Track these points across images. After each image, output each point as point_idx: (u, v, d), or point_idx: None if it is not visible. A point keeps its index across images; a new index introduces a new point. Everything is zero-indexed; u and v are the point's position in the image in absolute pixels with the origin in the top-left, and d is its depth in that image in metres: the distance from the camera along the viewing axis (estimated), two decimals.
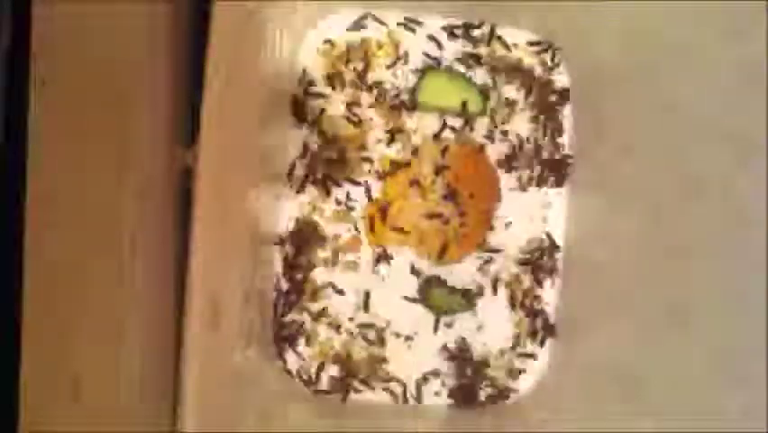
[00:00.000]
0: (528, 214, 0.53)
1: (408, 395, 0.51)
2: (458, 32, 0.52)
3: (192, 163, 0.37)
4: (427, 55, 0.52)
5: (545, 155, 0.53)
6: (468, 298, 0.52)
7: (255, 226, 0.48)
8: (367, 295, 0.51)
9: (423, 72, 0.52)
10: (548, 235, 0.53)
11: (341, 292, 0.51)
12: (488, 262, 0.52)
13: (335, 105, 0.51)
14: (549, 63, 0.53)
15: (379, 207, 0.51)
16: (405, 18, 0.52)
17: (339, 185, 0.51)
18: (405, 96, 0.52)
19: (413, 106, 0.52)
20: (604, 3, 0.48)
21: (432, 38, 0.52)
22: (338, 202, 0.51)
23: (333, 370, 0.51)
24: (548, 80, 0.53)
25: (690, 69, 0.44)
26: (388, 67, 0.52)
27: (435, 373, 0.52)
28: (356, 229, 0.51)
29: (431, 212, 0.51)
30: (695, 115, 0.44)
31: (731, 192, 0.42)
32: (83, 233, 0.34)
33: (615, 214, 0.50)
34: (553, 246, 0.53)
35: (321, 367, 0.51)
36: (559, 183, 0.53)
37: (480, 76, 0.52)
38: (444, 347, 0.52)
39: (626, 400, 0.45)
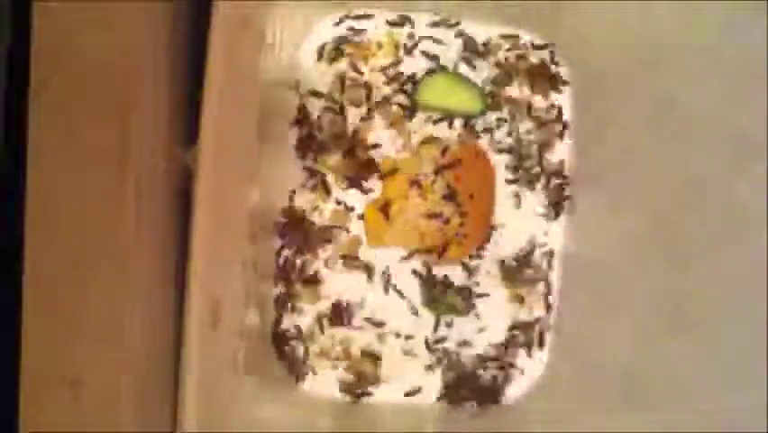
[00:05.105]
0: (528, 214, 0.53)
1: (408, 395, 0.51)
2: (458, 32, 0.52)
3: (192, 163, 0.37)
4: (428, 55, 0.52)
5: (546, 155, 0.53)
6: (468, 298, 0.52)
7: (255, 226, 0.48)
8: (367, 295, 0.51)
9: (424, 72, 0.52)
10: (548, 235, 0.53)
11: (340, 293, 0.51)
12: (488, 262, 0.52)
13: (335, 105, 0.51)
14: (549, 63, 0.53)
15: (379, 206, 0.51)
16: (405, 18, 0.52)
17: (339, 185, 0.51)
18: (405, 97, 0.52)
19: (413, 106, 0.52)
20: (604, 2, 0.48)
21: (432, 38, 0.52)
22: (338, 202, 0.51)
23: (332, 370, 0.51)
24: (548, 80, 0.53)
25: (690, 69, 0.44)
26: (389, 67, 0.52)
27: (435, 373, 0.52)
28: (356, 229, 0.51)
29: (431, 212, 0.51)
30: (695, 115, 0.44)
31: (731, 193, 0.42)
32: (83, 233, 0.34)
33: (615, 214, 0.50)
34: (553, 246, 0.53)
35: (320, 367, 0.51)
36: (559, 183, 0.53)
37: (481, 76, 0.52)
38: (444, 347, 0.52)
39: (626, 400, 0.45)
